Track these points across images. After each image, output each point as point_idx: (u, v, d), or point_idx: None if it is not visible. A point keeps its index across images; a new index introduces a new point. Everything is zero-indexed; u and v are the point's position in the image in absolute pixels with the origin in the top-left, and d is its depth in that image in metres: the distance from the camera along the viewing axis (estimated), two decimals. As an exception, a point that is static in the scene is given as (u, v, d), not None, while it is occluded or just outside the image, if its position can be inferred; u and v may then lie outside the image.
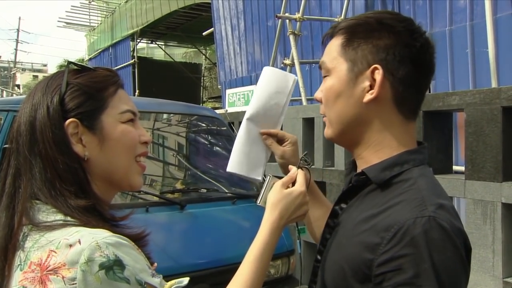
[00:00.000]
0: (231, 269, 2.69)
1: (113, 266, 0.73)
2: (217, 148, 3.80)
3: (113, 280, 0.73)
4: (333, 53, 0.93)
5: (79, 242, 0.74)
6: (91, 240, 0.74)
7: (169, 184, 3.21)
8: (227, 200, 3.02)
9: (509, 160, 2.92)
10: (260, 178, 1.14)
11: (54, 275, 0.73)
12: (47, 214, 0.81)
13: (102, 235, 0.76)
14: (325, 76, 0.95)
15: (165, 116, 3.53)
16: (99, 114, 0.88)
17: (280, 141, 1.16)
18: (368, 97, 0.89)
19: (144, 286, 0.76)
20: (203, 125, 3.76)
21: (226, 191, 3.16)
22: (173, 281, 0.87)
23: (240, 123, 4.85)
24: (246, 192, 3.13)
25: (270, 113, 1.13)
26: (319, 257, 0.98)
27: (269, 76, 1.14)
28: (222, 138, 3.72)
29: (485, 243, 2.89)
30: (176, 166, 3.51)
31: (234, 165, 1.12)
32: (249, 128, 1.12)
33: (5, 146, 2.68)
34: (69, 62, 0.91)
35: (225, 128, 3.64)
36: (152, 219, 2.47)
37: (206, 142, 3.79)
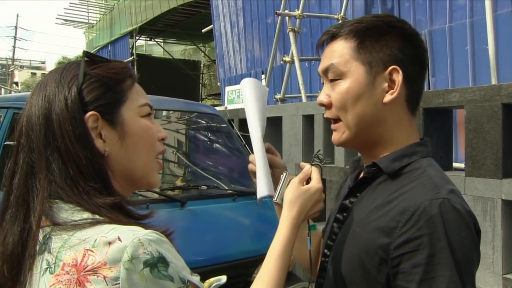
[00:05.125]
0: (231, 266, 2.69)
1: (157, 264, 0.69)
2: (217, 145, 3.80)
3: (158, 278, 0.69)
4: (345, 56, 0.93)
5: (119, 239, 0.69)
6: (132, 237, 0.69)
7: (170, 181, 3.20)
8: (228, 197, 3.01)
9: (509, 157, 2.92)
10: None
11: (94, 275, 0.67)
12: (72, 213, 0.75)
13: (142, 231, 0.71)
14: (335, 80, 0.94)
15: (164, 113, 3.53)
16: (118, 107, 0.83)
17: (271, 153, 1.14)
18: (388, 97, 0.91)
19: (187, 284, 0.73)
20: (203, 122, 3.76)
21: (226, 188, 3.16)
22: (212, 279, 0.85)
23: (240, 120, 4.83)
24: (246, 189, 3.13)
25: (264, 124, 1.12)
26: (327, 252, 0.99)
27: (253, 87, 1.12)
28: (222, 135, 3.71)
29: (485, 240, 2.89)
30: (176, 163, 3.51)
31: (268, 188, 1.03)
32: (262, 144, 1.08)
33: (6, 143, 2.67)
34: (85, 52, 0.85)
35: (225, 125, 3.64)
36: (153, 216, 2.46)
37: (206, 139, 3.78)
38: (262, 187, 1.02)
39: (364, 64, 0.92)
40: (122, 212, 0.79)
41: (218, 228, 2.77)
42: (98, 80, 0.82)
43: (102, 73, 0.83)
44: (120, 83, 0.84)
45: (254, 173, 1.08)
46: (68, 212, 0.75)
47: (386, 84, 0.91)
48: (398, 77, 0.90)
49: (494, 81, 4.26)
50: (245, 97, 1.12)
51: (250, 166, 1.10)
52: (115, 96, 0.83)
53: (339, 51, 0.94)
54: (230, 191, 3.09)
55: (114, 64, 0.87)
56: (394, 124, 0.94)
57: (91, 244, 0.70)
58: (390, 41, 0.91)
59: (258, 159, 1.06)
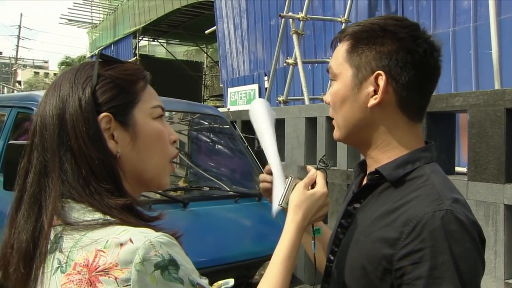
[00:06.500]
0: (233, 267, 2.68)
1: (168, 266, 0.69)
2: (220, 146, 3.80)
3: (169, 280, 0.69)
4: (339, 58, 0.96)
5: (131, 241, 0.69)
6: (144, 239, 0.70)
7: (172, 182, 3.20)
8: (230, 198, 3.02)
9: (512, 162, 2.92)
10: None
11: (105, 276, 0.68)
12: (84, 213, 0.76)
13: (153, 234, 0.72)
14: (332, 80, 0.98)
15: (167, 114, 3.53)
16: (131, 109, 0.83)
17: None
18: (372, 102, 0.91)
19: (197, 287, 0.73)
20: (206, 123, 3.76)
21: (229, 189, 3.16)
22: (219, 282, 0.84)
23: (242, 122, 4.80)
24: (248, 191, 3.13)
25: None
26: (331, 257, 1.00)
27: (266, 106, 1.14)
28: (225, 137, 3.72)
29: (487, 245, 2.88)
30: (178, 164, 3.51)
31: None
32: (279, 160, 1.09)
33: (10, 142, 2.67)
34: (99, 53, 0.86)
35: (227, 126, 3.64)
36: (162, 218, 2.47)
37: (209, 141, 3.79)
38: (281, 200, 1.01)
39: (352, 67, 0.93)
40: (132, 214, 0.79)
41: (220, 230, 2.77)
42: (112, 82, 0.83)
43: (116, 74, 0.84)
44: (133, 85, 0.85)
45: (266, 191, 1.09)
46: (80, 212, 0.76)
47: (371, 89, 0.91)
48: (381, 83, 0.89)
49: (497, 86, 4.25)
50: (259, 113, 1.13)
51: (263, 184, 1.10)
52: (128, 98, 0.83)
53: (336, 53, 0.97)
54: (232, 193, 3.09)
55: (128, 66, 0.87)
56: (388, 129, 0.93)
57: (102, 245, 0.70)
58: (381, 46, 0.90)
59: (278, 174, 1.05)
